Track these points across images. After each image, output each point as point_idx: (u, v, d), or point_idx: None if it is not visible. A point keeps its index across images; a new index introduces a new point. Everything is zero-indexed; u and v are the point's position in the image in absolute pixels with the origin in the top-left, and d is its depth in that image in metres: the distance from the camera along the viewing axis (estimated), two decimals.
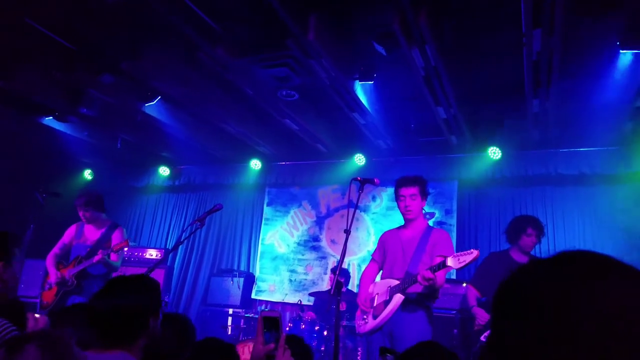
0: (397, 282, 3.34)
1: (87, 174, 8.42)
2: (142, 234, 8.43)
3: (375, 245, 3.89)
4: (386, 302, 3.32)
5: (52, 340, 1.29)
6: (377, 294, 3.47)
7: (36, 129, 6.52)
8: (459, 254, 3.03)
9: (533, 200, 6.27)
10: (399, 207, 3.60)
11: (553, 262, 0.64)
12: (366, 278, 3.70)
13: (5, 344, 1.28)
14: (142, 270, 6.54)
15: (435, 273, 3.03)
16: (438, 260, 3.07)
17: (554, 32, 3.67)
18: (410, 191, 3.50)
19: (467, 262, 2.98)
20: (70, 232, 4.80)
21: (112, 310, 1.72)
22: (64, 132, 6.62)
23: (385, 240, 3.72)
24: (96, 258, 4.29)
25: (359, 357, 5.31)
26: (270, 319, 1.50)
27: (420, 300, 3.33)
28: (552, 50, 3.92)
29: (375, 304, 3.42)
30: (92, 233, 4.72)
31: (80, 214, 4.70)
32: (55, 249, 4.71)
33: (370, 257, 3.86)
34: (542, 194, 6.24)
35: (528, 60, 4.09)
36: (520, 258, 4.25)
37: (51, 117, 6.16)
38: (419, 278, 3.06)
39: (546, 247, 5.99)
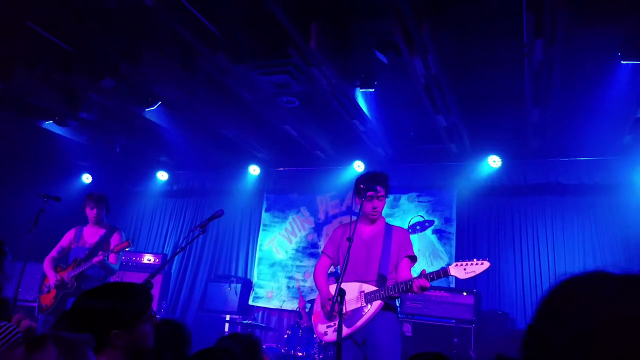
0: (371, 287, 3.10)
1: (85, 178, 8.38)
2: (140, 239, 8.38)
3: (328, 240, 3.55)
4: (361, 310, 3.08)
5: (71, 343, 1.31)
6: (346, 299, 3.06)
7: (36, 133, 6.50)
8: (463, 263, 2.91)
9: (533, 209, 6.27)
10: (363, 206, 3.21)
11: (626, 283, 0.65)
12: (322, 274, 3.41)
13: (26, 341, 1.30)
14: (140, 275, 6.47)
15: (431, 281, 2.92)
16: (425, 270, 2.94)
17: (556, 42, 3.69)
18: (381, 191, 3.21)
19: (476, 273, 2.85)
20: (69, 236, 4.78)
21: (81, 310, 1.68)
22: (63, 136, 6.61)
23: (343, 237, 3.30)
24: (96, 259, 4.28)
25: None
26: None
27: (392, 302, 3.19)
28: (553, 60, 3.94)
29: (346, 310, 3.04)
30: (90, 236, 4.70)
31: (94, 212, 4.65)
32: (53, 252, 4.69)
33: (322, 252, 3.51)
34: (542, 203, 6.25)
35: (529, 70, 4.12)
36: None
37: (51, 121, 6.15)
38: (415, 287, 2.88)
39: (546, 258, 6.00)
